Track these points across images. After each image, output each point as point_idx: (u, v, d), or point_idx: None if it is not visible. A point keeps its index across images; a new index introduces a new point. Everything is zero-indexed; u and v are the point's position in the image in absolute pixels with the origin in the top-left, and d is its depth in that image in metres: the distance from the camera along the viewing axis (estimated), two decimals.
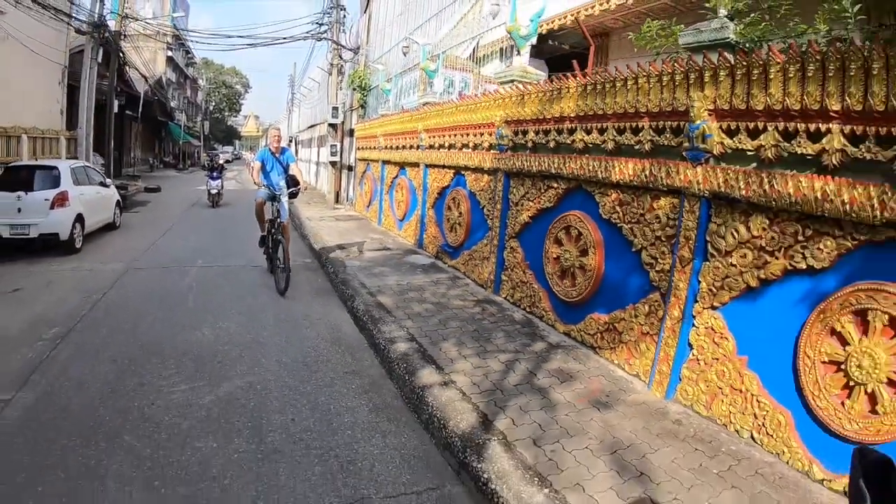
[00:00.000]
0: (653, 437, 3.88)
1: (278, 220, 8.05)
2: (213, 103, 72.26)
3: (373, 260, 9.56)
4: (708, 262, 4.21)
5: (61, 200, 9.69)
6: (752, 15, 4.09)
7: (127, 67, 25.76)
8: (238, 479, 3.42)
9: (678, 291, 4.40)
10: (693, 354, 4.36)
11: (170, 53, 42.36)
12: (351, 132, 18.31)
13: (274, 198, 8.14)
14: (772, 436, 3.75)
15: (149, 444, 3.76)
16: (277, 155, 8.35)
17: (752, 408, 3.90)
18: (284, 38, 25.55)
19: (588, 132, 5.45)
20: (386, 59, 15.88)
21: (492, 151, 7.48)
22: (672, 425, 4.09)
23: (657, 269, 4.67)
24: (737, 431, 4.00)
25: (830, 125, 3.36)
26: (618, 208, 5.12)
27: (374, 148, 14.20)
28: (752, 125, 3.82)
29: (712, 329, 4.19)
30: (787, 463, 3.63)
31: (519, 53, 8.40)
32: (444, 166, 9.42)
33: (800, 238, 3.61)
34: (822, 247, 3.48)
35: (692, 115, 4.15)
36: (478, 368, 4.89)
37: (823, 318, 3.46)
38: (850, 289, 3.34)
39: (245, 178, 31.36)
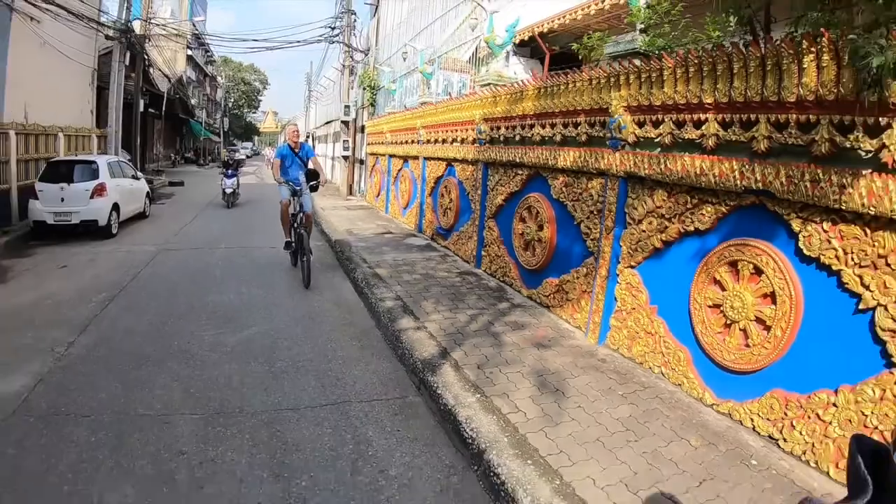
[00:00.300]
0: (577, 369, 4.93)
1: (301, 213, 8.12)
2: (232, 100, 73.43)
3: (376, 241, 10.69)
4: (626, 230, 5.25)
5: (100, 191, 10.92)
6: (661, 27, 5.08)
7: (151, 68, 27.11)
8: (253, 388, 4.57)
9: (605, 254, 5.45)
10: (618, 306, 5.39)
11: (189, 52, 43.75)
12: (362, 128, 19.43)
13: (296, 193, 8.15)
14: (675, 370, 4.77)
15: (186, 368, 4.91)
16: (297, 150, 8.39)
17: (660, 347, 4.93)
18: (298, 42, 26.75)
19: (543, 127, 6.50)
20: (392, 62, 16.99)
21: (474, 145, 8.55)
22: (597, 362, 5.13)
23: (591, 237, 5.72)
24: (650, 368, 5.02)
25: (707, 115, 4.36)
26: (564, 189, 6.17)
27: (382, 143, 15.33)
28: (654, 118, 4.83)
29: (631, 284, 5.22)
30: (686, 391, 4.64)
31: (506, 59, 9.43)
32: (438, 158, 10.50)
33: (688, 206, 4.62)
34: (704, 212, 4.49)
35: (612, 111, 5.18)
36: (447, 319, 5.99)
37: (707, 269, 4.47)
38: (724, 245, 4.34)
39: (265, 174, 32.60)
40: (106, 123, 20.43)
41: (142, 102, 24.16)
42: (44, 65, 15.34)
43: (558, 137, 6.18)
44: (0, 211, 11.02)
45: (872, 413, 3.25)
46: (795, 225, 3.74)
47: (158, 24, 26.94)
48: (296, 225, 8.17)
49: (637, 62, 4.94)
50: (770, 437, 3.87)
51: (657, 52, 5.05)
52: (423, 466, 3.65)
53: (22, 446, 3.61)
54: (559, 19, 9.36)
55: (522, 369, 4.80)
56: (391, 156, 14.50)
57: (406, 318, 5.97)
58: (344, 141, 20.51)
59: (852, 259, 3.41)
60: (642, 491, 3.20)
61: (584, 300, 5.83)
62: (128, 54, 20.93)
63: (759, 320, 4.05)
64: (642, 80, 4.86)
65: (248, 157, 56.08)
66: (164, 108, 32.05)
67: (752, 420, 4.02)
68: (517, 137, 7.15)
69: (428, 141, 11.12)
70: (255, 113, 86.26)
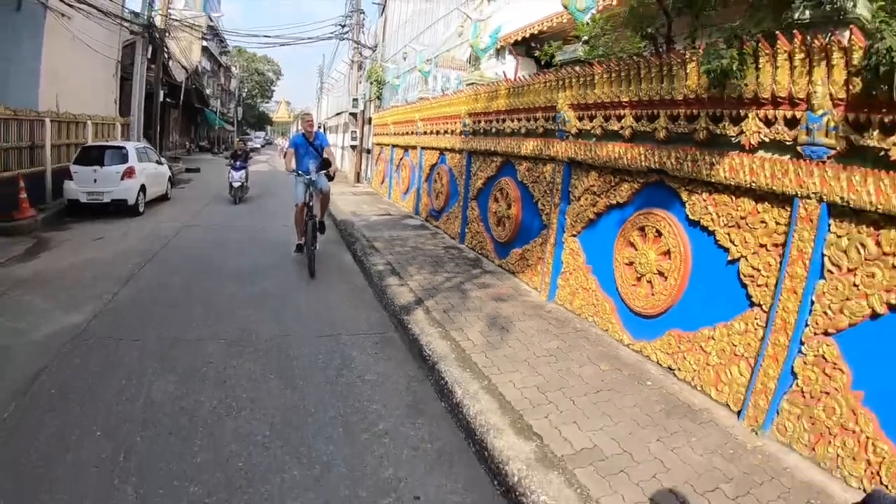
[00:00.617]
0: (525, 316, 6.11)
1: (311, 201, 7.96)
2: (246, 90, 74.44)
3: (376, 222, 11.92)
4: (569, 205, 6.40)
5: (130, 173, 12.17)
6: (599, 39, 6.20)
7: (170, 60, 28.39)
8: (265, 324, 5.81)
9: (553, 226, 6.61)
10: (563, 268, 6.55)
11: (204, 43, 45.00)
12: (369, 120, 20.64)
13: (310, 186, 7.96)
14: (602, 318, 5.92)
15: (211, 310, 6.15)
16: (311, 139, 8.22)
17: (593, 300, 6.08)
18: (310, 39, 27.92)
19: (512, 121, 7.66)
20: (397, 58, 18.17)
21: (461, 136, 9.71)
22: (543, 312, 6.30)
23: (545, 213, 6.88)
24: (585, 318, 6.17)
25: (625, 111, 5.48)
26: (527, 173, 7.34)
27: (386, 134, 16.54)
28: (589, 113, 5.97)
29: (572, 250, 6.38)
30: (610, 335, 5.77)
31: (503, 58, 10.57)
32: (433, 148, 11.68)
33: (612, 184, 5.76)
34: (622, 189, 5.63)
35: (559, 108, 6.34)
36: (426, 279, 7.20)
37: (624, 234, 5.61)
38: (637, 213, 5.45)
39: (278, 163, 33.82)
40: (129, 112, 21.75)
41: (161, 93, 25.49)
42: (73, 58, 16.55)
43: (523, 129, 7.33)
44: (36, 191, 12.19)
45: (739, 343, 4.35)
46: (684, 196, 4.87)
47: (177, 20, 28.23)
48: (306, 217, 7.99)
49: (577, 68, 6.09)
50: (669, 367, 5.00)
51: (593, 60, 6.16)
52: (392, 375, 4.85)
53: (86, 358, 4.83)
54: (529, 29, 10.48)
55: (479, 315, 5.99)
56: (394, 146, 15.71)
57: (392, 278, 7.18)
58: (352, 132, 21.71)
59: (723, 220, 4.51)
60: (549, 392, 4.37)
61: (539, 265, 7.00)
62: (150, 48, 22.23)
63: (660, 273, 5.18)
64: (580, 83, 6.01)
65: (261, 146, 57.31)
66: (181, 98, 33.40)
67: (656, 355, 5.15)
68: (493, 130, 8.31)
69: (425, 132, 12.29)
70: (268, 103, 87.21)
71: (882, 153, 3.27)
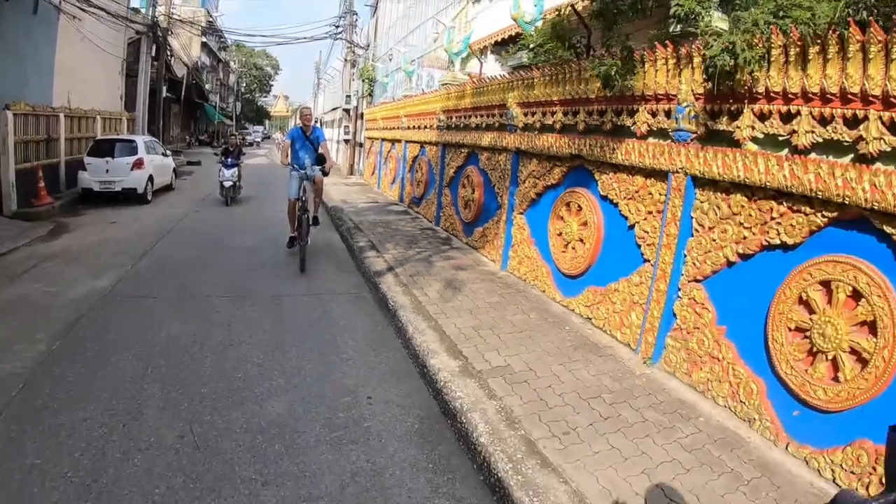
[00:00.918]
0: (478, 281, 7.29)
1: (304, 196, 8.13)
2: (245, 85, 75.01)
3: (363, 208, 13.14)
4: (517, 187, 7.58)
5: (139, 164, 13.32)
6: (542, 47, 7.30)
7: (172, 58, 29.52)
8: (264, 285, 7.03)
9: (505, 206, 7.80)
10: (513, 241, 7.73)
11: (204, 39, 46.01)
12: (361, 116, 21.78)
13: (304, 178, 8.14)
14: (541, 281, 7.07)
15: (217, 275, 7.36)
16: (308, 134, 8.32)
17: (534, 266, 7.24)
18: (305, 38, 29.06)
19: (476, 116, 8.84)
20: (386, 58, 19.31)
21: (437, 130, 10.89)
22: (494, 278, 7.49)
23: (500, 195, 8.06)
24: (528, 282, 7.34)
25: (556, 108, 6.64)
26: (487, 161, 8.52)
27: (376, 129, 17.71)
28: (531, 110, 7.14)
29: (519, 225, 7.56)
30: (546, 294, 6.94)
31: (485, 58, 11.73)
32: (415, 141, 12.87)
33: (548, 169, 6.92)
34: (555, 172, 6.78)
35: (508, 105, 7.51)
36: (400, 253, 8.41)
37: (556, 210, 6.71)
38: (565, 192, 6.58)
39: (276, 157, 34.83)
40: (133, 108, 22.89)
41: (164, 89, 26.65)
42: (83, 57, 17.56)
43: (483, 124, 8.52)
44: (52, 181, 13.29)
45: (636, 293, 5.50)
46: (597, 175, 6.02)
47: (179, 19, 29.36)
48: (299, 213, 8.06)
49: (522, 72, 7.27)
50: (587, 318, 6.15)
51: (536, 65, 7.31)
52: (361, 321, 6.05)
53: (114, 309, 6.00)
54: (494, 37, 11.64)
55: (439, 279, 7.19)
56: (382, 139, 16.89)
57: (371, 251, 8.39)
58: (345, 126, 22.84)
59: (623, 194, 5.63)
60: (482, 331, 5.55)
61: (496, 240, 8.19)
62: (153, 46, 23.37)
63: (580, 240, 6.34)
64: (524, 85, 7.18)
65: (259, 140, 58.29)
66: (182, 94, 34.50)
67: (578, 308, 6.32)
68: (462, 124, 9.49)
69: (408, 127, 13.46)
70: (266, 97, 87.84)
71: (729, 135, 4.37)
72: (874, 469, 3.25)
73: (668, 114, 4.94)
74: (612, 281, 5.80)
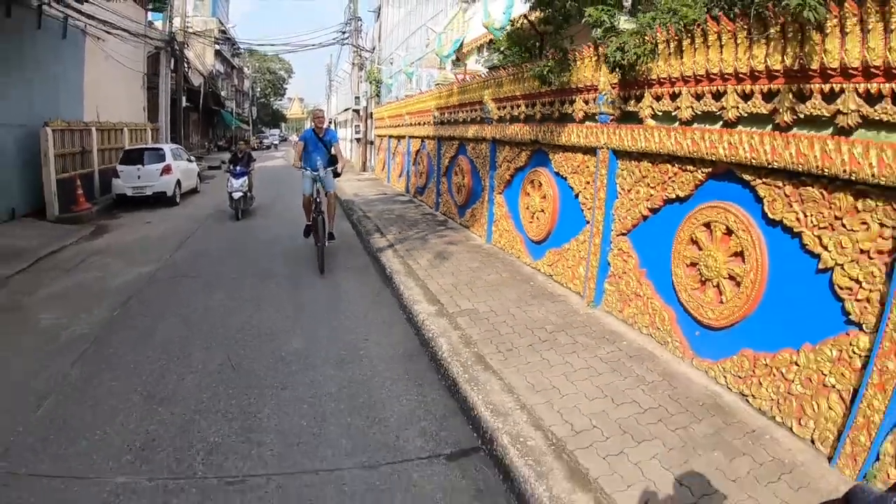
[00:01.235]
0: (464, 252, 8.46)
1: (320, 198, 8.20)
2: (259, 89, 75.63)
3: (372, 199, 14.41)
4: (496, 171, 8.72)
5: (168, 170, 14.64)
6: (508, 51, 8.43)
7: (189, 70, 31.00)
8: (283, 266, 8.31)
9: (487, 188, 8.96)
10: (495, 218, 8.88)
11: (217, 47, 47.44)
12: (370, 115, 23.00)
13: (316, 181, 8.21)
14: (515, 248, 8.19)
15: (244, 260, 8.66)
16: (321, 135, 8.38)
17: (510, 237, 8.36)
18: (313, 45, 30.38)
19: (463, 112, 9.99)
20: (390, 60, 20.54)
21: (433, 126, 12.06)
22: (480, 250, 8.65)
23: (484, 179, 9.22)
24: (507, 251, 8.47)
25: (520, 101, 7.73)
26: (472, 151, 9.69)
27: (383, 127, 18.97)
28: (502, 104, 8.26)
29: (499, 204, 8.69)
30: (520, 260, 8.06)
31: (461, 65, 12.90)
32: (416, 137, 14.08)
33: (516, 153, 8.02)
34: (522, 156, 7.85)
35: (485, 101, 8.65)
36: (401, 234, 9.65)
37: (524, 188, 7.77)
38: (529, 172, 7.65)
39: (293, 158, 36.20)
40: (156, 118, 24.36)
41: (183, 98, 28.15)
42: (108, 74, 18.70)
43: (469, 118, 9.67)
44: (87, 188, 14.55)
45: (582, 250, 6.57)
46: (551, 156, 7.12)
47: (194, 33, 30.86)
48: (315, 214, 8.20)
49: (495, 72, 8.40)
50: (549, 275, 7.25)
51: (504, 66, 8.44)
52: (364, 287, 7.29)
53: (159, 288, 7.30)
54: (477, 41, 12.79)
55: (432, 252, 8.39)
56: (390, 136, 18.13)
57: (376, 234, 9.65)
58: (355, 126, 24.10)
59: (569, 170, 6.70)
60: (459, 286, 6.71)
61: (481, 218, 9.34)
62: (172, 60, 24.82)
63: (542, 211, 7.40)
64: (496, 83, 8.32)
65: (275, 144, 59.80)
66: (201, 103, 36.03)
67: (543, 268, 7.42)
68: (452, 119, 10.65)
69: (410, 124, 14.66)
70: (281, 100, 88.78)
71: (636, 115, 5.43)
72: (754, 372, 4.26)
73: (594, 101, 6.02)
74: (566, 242, 6.90)
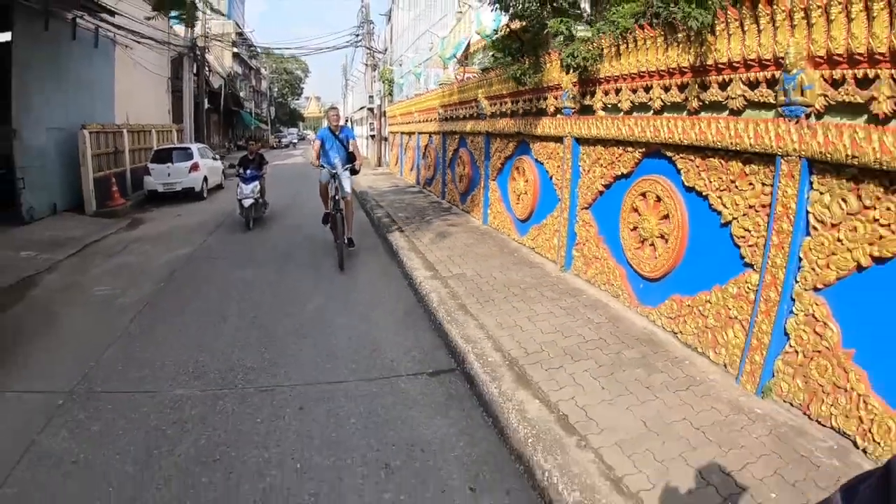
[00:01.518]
0: (463, 233, 9.56)
1: (338, 196, 8.28)
2: (276, 89, 76.10)
3: (385, 190, 15.63)
4: (490, 160, 9.79)
5: (195, 167, 15.86)
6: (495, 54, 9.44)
7: (210, 74, 32.37)
8: (303, 250, 9.51)
9: (483, 176, 10.04)
10: (490, 202, 9.96)
11: (235, 50, 48.66)
12: (384, 113, 24.15)
13: (334, 176, 8.28)
14: (506, 227, 9.26)
15: (268, 247, 9.89)
16: (337, 133, 8.46)
17: (502, 218, 9.43)
18: (328, 48, 31.57)
19: (462, 109, 11.08)
20: (400, 62, 21.69)
21: (438, 122, 13.18)
22: (476, 230, 9.76)
23: (480, 168, 10.30)
24: (499, 230, 9.55)
25: (507, 99, 8.78)
26: (471, 144, 10.78)
27: (396, 123, 20.18)
28: (493, 101, 9.33)
29: (493, 189, 9.77)
30: (510, 237, 9.12)
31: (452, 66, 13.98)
32: (424, 133, 15.23)
33: (506, 143, 9.08)
34: (509, 146, 8.92)
35: (479, 99, 9.72)
36: (409, 219, 10.83)
37: (513, 172, 8.88)
38: (516, 160, 8.74)
39: (311, 156, 37.47)
40: (180, 120, 25.72)
41: (205, 101, 29.54)
42: (136, 80, 19.73)
43: (467, 115, 10.77)
44: (120, 186, 14.45)
45: (556, 224, 7.58)
46: (532, 145, 8.16)
47: (214, 37, 32.18)
48: (334, 210, 8.37)
49: (486, 74, 9.47)
50: (532, 248, 8.28)
51: (493, 67, 9.46)
52: (374, 262, 8.48)
53: (198, 265, 8.54)
54: (476, 45, 13.83)
55: (434, 232, 9.53)
56: (402, 133, 19.33)
57: (387, 219, 10.86)
58: (370, 124, 25.29)
59: (545, 156, 7.75)
60: (453, 257, 7.81)
61: (480, 203, 10.42)
62: (194, 65, 26.18)
63: (525, 192, 8.45)
64: (487, 83, 9.39)
65: (294, 142, 61.24)
66: (221, 104, 37.41)
67: (527, 243, 8.46)
68: (453, 116, 11.75)
69: (419, 121, 15.80)
70: (298, 100, 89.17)
71: (591, 107, 6.48)
72: (681, 313, 5.26)
73: (560, 97, 7.05)
74: (544, 218, 7.95)
